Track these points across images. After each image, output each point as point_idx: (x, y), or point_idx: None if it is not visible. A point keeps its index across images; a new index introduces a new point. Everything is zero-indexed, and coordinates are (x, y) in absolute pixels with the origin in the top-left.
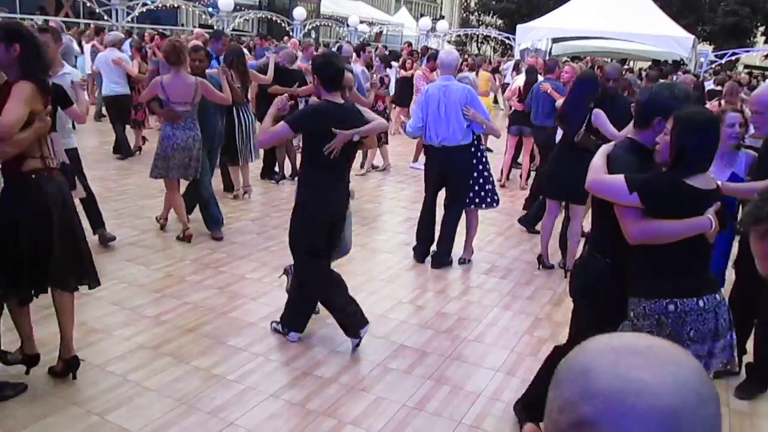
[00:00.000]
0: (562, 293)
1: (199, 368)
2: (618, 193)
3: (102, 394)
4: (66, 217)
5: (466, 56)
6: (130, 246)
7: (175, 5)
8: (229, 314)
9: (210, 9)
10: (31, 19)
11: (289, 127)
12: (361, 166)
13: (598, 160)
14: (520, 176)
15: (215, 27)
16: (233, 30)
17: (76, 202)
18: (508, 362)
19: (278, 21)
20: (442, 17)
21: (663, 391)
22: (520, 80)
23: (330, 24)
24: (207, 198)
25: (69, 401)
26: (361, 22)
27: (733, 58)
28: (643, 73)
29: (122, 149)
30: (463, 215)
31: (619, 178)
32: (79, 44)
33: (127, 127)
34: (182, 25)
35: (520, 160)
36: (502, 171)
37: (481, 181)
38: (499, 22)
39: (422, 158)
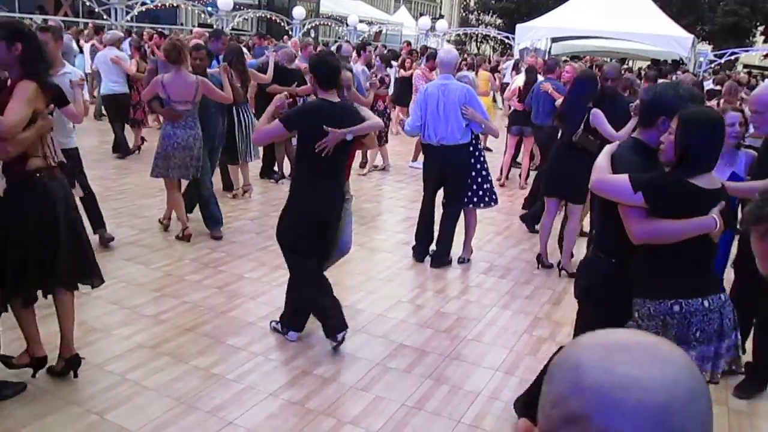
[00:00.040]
0: (561, 292)
1: (198, 367)
2: (622, 193)
3: (101, 393)
4: (70, 215)
5: (465, 56)
6: (129, 245)
7: (174, 4)
8: (228, 313)
9: (209, 8)
10: (30, 18)
11: (282, 125)
12: (361, 166)
13: (603, 159)
14: (520, 176)
15: (214, 26)
16: (232, 29)
17: (77, 201)
18: (507, 361)
19: (277, 20)
20: (442, 16)
21: (652, 386)
22: (519, 80)
23: (329, 23)
24: (207, 197)
25: (68, 400)
26: (361, 21)
27: (733, 57)
28: (643, 73)
29: (121, 149)
30: (462, 214)
31: (624, 177)
32: (77, 43)
33: (127, 126)
34: (181, 24)
35: (519, 159)
36: (501, 170)
37: (479, 180)
38: (499, 21)
39: (421, 158)
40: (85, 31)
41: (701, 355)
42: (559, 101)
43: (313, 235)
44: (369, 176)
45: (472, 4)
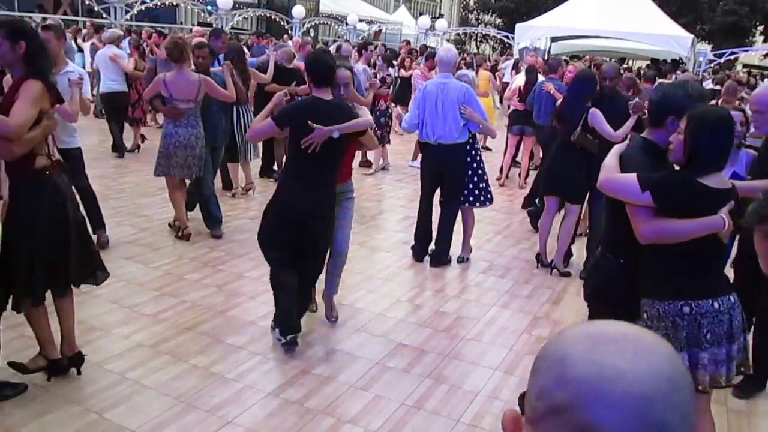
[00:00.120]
0: (561, 292)
1: (198, 366)
2: (630, 192)
3: (100, 392)
4: (76, 214)
5: (464, 55)
6: (129, 244)
7: (174, 3)
8: (227, 313)
9: (209, 7)
10: (30, 17)
11: (273, 123)
12: (361, 166)
13: (611, 159)
14: (519, 175)
15: (214, 25)
16: (232, 28)
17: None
18: (507, 361)
19: (277, 19)
20: (441, 16)
21: (636, 377)
22: (520, 80)
23: (329, 22)
24: (208, 196)
25: (68, 399)
26: (360, 20)
27: (732, 57)
28: (642, 72)
29: (118, 148)
30: (459, 214)
31: (632, 176)
32: (75, 42)
33: (127, 125)
34: (181, 23)
35: (519, 159)
36: (501, 170)
37: (475, 179)
38: (498, 20)
39: (420, 157)
40: (84, 30)
41: (714, 359)
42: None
43: (293, 232)
44: (363, 175)
45: (471, 3)
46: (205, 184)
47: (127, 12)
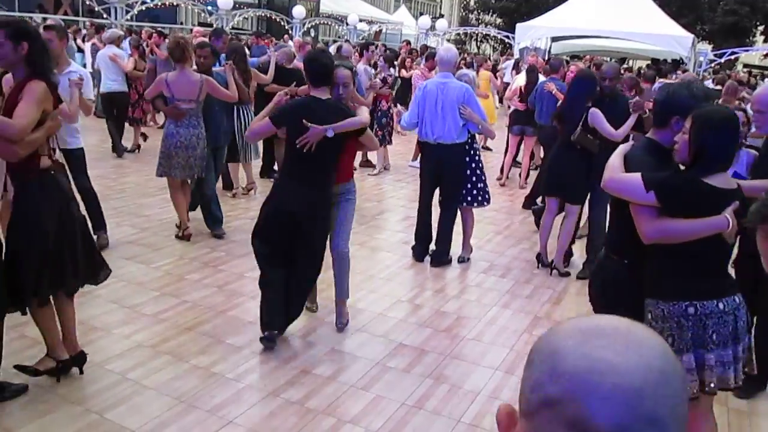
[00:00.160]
0: (562, 292)
1: (198, 366)
2: (634, 192)
3: (101, 392)
4: (79, 214)
5: (464, 55)
6: (129, 244)
7: (174, 3)
8: (228, 313)
9: (209, 7)
10: (30, 17)
11: (270, 122)
12: (361, 166)
13: (616, 159)
14: (520, 175)
15: (214, 25)
16: (232, 28)
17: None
18: (507, 361)
19: (277, 19)
20: (442, 16)
21: (627, 370)
22: (520, 80)
23: (329, 22)
24: (209, 196)
25: (68, 399)
26: (361, 20)
27: (733, 57)
28: (642, 72)
29: (115, 148)
30: (459, 214)
31: (636, 176)
32: (74, 42)
33: (126, 125)
34: (181, 23)
35: (519, 159)
36: (502, 170)
37: (473, 179)
38: (499, 20)
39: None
40: (83, 30)
41: (721, 361)
42: None
43: (286, 230)
44: (368, 175)
45: (472, 3)
46: (207, 185)
47: (127, 12)
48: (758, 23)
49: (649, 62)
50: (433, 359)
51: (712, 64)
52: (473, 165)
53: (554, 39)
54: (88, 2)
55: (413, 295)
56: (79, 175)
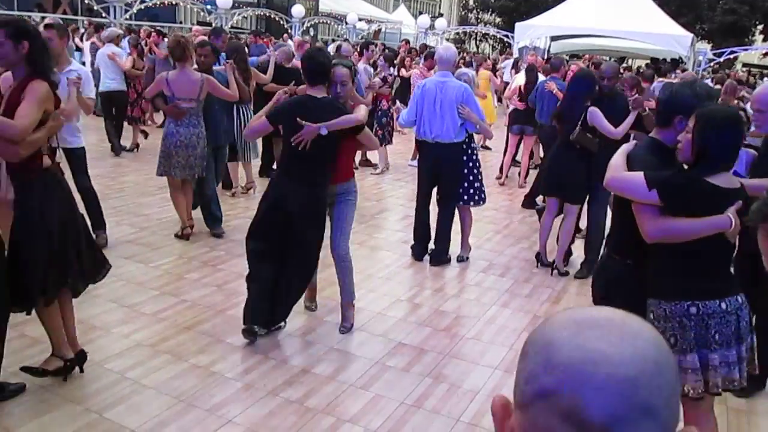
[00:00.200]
0: (561, 291)
1: (198, 366)
2: (637, 190)
3: (100, 391)
4: (78, 211)
5: (464, 54)
6: (128, 243)
7: (173, 2)
8: (227, 312)
9: (208, 6)
10: (29, 16)
11: (266, 120)
12: (361, 165)
13: (618, 158)
14: (519, 174)
15: (214, 24)
16: (231, 27)
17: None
18: (507, 360)
19: (276, 18)
20: (441, 15)
21: (621, 361)
22: (520, 79)
23: (328, 21)
24: (209, 196)
25: (67, 398)
26: (360, 19)
27: (732, 56)
28: (641, 71)
29: (113, 147)
30: (456, 213)
31: (639, 175)
32: (72, 41)
33: (125, 124)
34: (180, 22)
35: (519, 158)
36: (501, 169)
37: (470, 178)
38: (498, 20)
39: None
40: (81, 30)
41: (726, 361)
42: None
43: (279, 227)
44: (367, 175)
45: (471, 2)
46: (207, 184)
47: (126, 11)
48: (757, 22)
49: (648, 61)
50: (432, 358)
51: (712, 64)
52: (470, 164)
53: (553, 38)
54: (86, 1)
55: (412, 294)
56: (79, 175)
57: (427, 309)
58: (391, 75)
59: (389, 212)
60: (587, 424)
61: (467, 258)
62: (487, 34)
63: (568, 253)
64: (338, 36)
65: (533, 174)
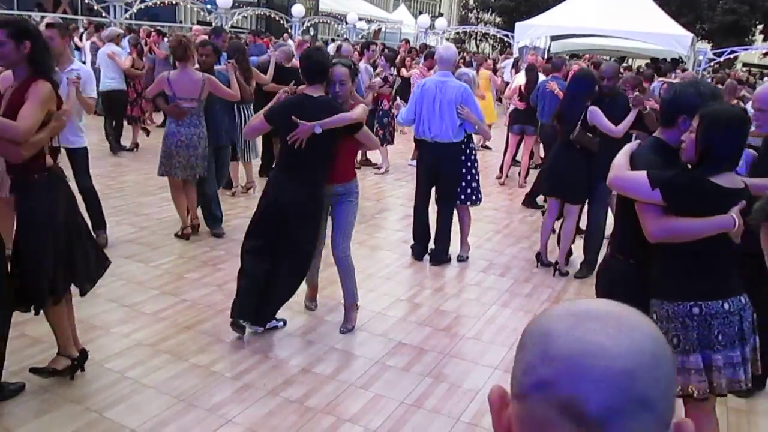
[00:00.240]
0: (561, 291)
1: (198, 365)
2: (640, 190)
3: (100, 391)
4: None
5: (464, 54)
6: (128, 243)
7: (174, 2)
8: (227, 311)
9: (208, 6)
10: (29, 16)
11: (264, 119)
12: (361, 164)
13: (622, 157)
14: (519, 174)
15: (214, 24)
16: (231, 27)
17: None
18: (507, 360)
19: (277, 18)
20: (441, 14)
21: (619, 353)
22: (520, 79)
23: (329, 21)
24: (210, 195)
25: (67, 398)
26: (360, 19)
27: (732, 56)
28: (641, 71)
29: (111, 146)
30: (455, 213)
31: (642, 174)
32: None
33: (125, 123)
34: (180, 21)
35: (519, 158)
36: (501, 169)
37: (468, 178)
38: (498, 19)
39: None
40: (81, 29)
41: (730, 362)
42: None
43: (274, 225)
44: (368, 174)
45: (471, 2)
46: (208, 184)
47: (126, 11)
48: (757, 22)
49: (648, 61)
50: (432, 358)
51: (712, 63)
52: (469, 164)
53: (553, 38)
54: (87, 0)
55: (412, 293)
56: (81, 175)
57: (427, 309)
58: (392, 75)
59: (389, 212)
60: (584, 416)
61: (467, 257)
62: (487, 34)
63: (569, 253)
64: (338, 36)
65: (533, 174)
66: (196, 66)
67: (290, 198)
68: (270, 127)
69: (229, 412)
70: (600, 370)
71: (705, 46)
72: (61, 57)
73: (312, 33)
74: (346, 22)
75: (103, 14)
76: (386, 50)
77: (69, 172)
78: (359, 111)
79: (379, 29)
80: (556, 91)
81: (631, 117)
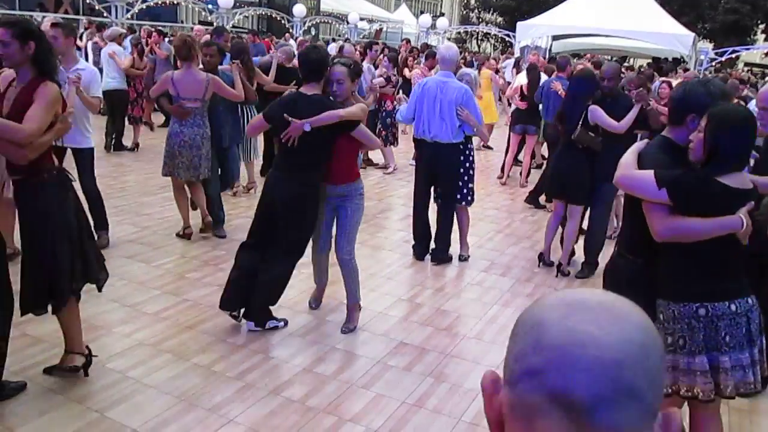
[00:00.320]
0: (562, 290)
1: (199, 365)
2: (647, 189)
3: (102, 390)
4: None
5: (465, 54)
6: (130, 243)
7: (175, 2)
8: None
9: (209, 6)
10: (31, 16)
11: (262, 118)
12: (366, 165)
13: (630, 156)
14: (520, 174)
15: (215, 23)
16: (233, 27)
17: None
18: None
19: (278, 18)
20: (442, 14)
21: (608, 343)
22: (521, 79)
23: (330, 21)
24: (212, 196)
25: (68, 398)
26: (361, 19)
27: (734, 55)
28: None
29: (107, 144)
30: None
31: (649, 173)
32: None
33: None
34: (182, 21)
35: (520, 158)
36: (503, 168)
37: (465, 178)
38: (499, 19)
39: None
40: (81, 29)
41: (739, 365)
42: None
43: (268, 220)
44: (369, 174)
45: (472, 1)
46: (211, 185)
47: (128, 11)
48: (759, 22)
49: (650, 61)
50: (433, 358)
51: (713, 63)
52: (467, 164)
53: (555, 37)
54: (88, 1)
55: (414, 293)
56: (85, 175)
57: (428, 308)
58: (394, 75)
59: (391, 211)
60: (573, 404)
61: (468, 257)
62: (489, 34)
63: (571, 253)
64: (339, 35)
65: (534, 173)
66: (201, 66)
67: (283, 195)
68: (269, 125)
69: (230, 411)
70: (589, 359)
71: (706, 45)
72: (66, 56)
73: (313, 33)
74: (348, 22)
75: (105, 14)
76: (387, 50)
77: (72, 173)
78: (353, 109)
79: (381, 29)
80: (560, 92)
81: (634, 112)
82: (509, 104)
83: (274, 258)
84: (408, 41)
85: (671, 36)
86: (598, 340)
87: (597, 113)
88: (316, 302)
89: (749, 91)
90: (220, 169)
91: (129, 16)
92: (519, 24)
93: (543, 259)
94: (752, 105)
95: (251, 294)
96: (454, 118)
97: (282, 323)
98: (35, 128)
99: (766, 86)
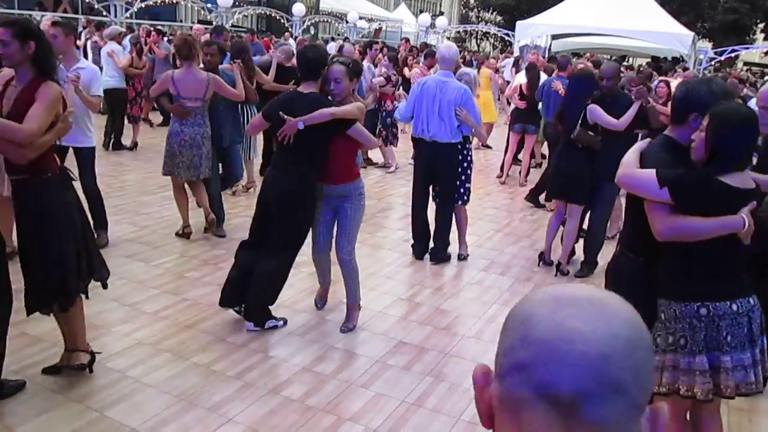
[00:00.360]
0: None
1: (199, 364)
2: (648, 188)
3: (101, 390)
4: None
5: (464, 53)
6: (129, 242)
7: (174, 1)
8: (228, 311)
9: (209, 5)
10: (30, 15)
11: (262, 117)
12: (366, 165)
13: (631, 155)
14: (520, 173)
15: (214, 23)
16: (232, 26)
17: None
18: None
19: (277, 17)
20: (442, 13)
21: (595, 339)
22: (520, 78)
23: (329, 20)
24: (212, 196)
25: (68, 397)
26: (361, 18)
27: (733, 55)
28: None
29: (106, 143)
30: None
31: (650, 172)
32: None
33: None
34: (181, 20)
35: (520, 156)
36: (502, 168)
37: (463, 178)
38: (499, 18)
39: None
40: (80, 28)
41: (741, 365)
42: None
43: (261, 216)
44: (369, 174)
45: (472, 1)
46: (211, 184)
47: (127, 9)
48: (758, 21)
49: (649, 60)
50: (433, 357)
51: (713, 62)
52: (465, 164)
53: (554, 37)
54: (87, 0)
55: (413, 292)
56: (86, 174)
57: (427, 308)
58: (394, 74)
59: (390, 211)
60: (559, 399)
61: (467, 256)
62: (488, 33)
63: (571, 252)
64: (338, 35)
65: (534, 173)
66: (201, 65)
67: (278, 192)
68: (268, 124)
69: (229, 411)
70: (576, 354)
71: (706, 44)
72: (66, 55)
73: (312, 32)
74: (347, 21)
75: (104, 13)
76: (386, 49)
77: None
78: (347, 108)
79: (380, 28)
80: (560, 91)
81: (633, 109)
82: (508, 103)
83: (268, 252)
84: (407, 40)
85: (671, 35)
86: (585, 335)
87: (596, 112)
88: (321, 301)
89: (749, 90)
90: (220, 168)
91: (128, 15)
92: (518, 23)
93: (543, 259)
94: (752, 104)
95: (246, 288)
96: (453, 118)
97: (281, 322)
98: (36, 128)
99: (766, 85)
